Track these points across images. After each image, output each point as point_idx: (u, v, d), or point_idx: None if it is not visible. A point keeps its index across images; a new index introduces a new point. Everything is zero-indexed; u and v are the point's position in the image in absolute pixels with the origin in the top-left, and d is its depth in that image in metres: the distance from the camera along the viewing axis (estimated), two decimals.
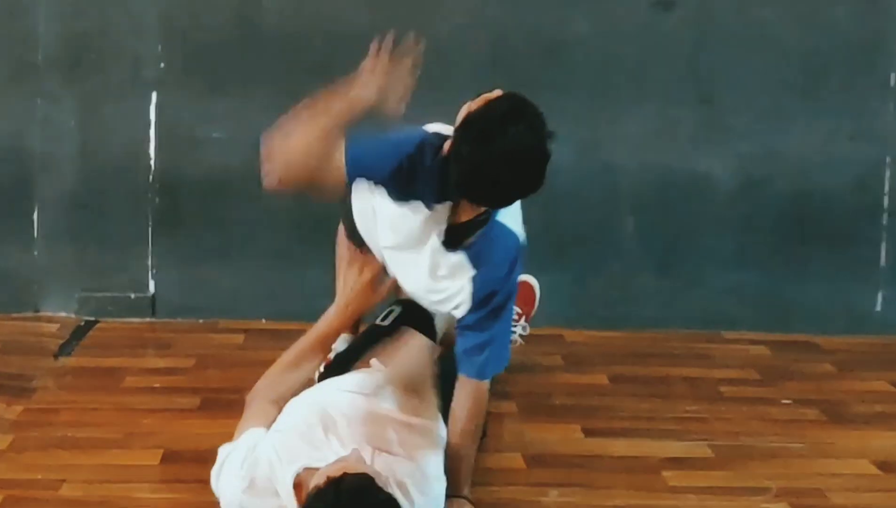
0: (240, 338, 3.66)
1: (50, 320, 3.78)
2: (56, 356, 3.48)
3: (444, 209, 2.38)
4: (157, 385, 3.25)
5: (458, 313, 2.48)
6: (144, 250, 3.78)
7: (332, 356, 2.83)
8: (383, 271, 2.62)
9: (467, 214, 2.37)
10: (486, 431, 2.74)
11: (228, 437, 2.38)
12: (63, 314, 3.80)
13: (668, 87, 3.81)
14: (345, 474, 1.97)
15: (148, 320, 3.80)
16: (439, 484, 2.34)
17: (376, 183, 2.41)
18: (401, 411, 2.44)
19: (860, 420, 3.21)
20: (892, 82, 3.87)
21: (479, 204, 2.31)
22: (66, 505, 2.53)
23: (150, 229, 3.77)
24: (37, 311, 3.81)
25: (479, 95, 2.29)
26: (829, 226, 3.91)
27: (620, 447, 2.97)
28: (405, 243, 2.47)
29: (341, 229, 2.90)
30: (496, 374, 2.61)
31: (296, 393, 2.46)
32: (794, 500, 2.68)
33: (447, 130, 2.44)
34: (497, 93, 2.27)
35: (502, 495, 2.65)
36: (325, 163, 2.29)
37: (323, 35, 3.68)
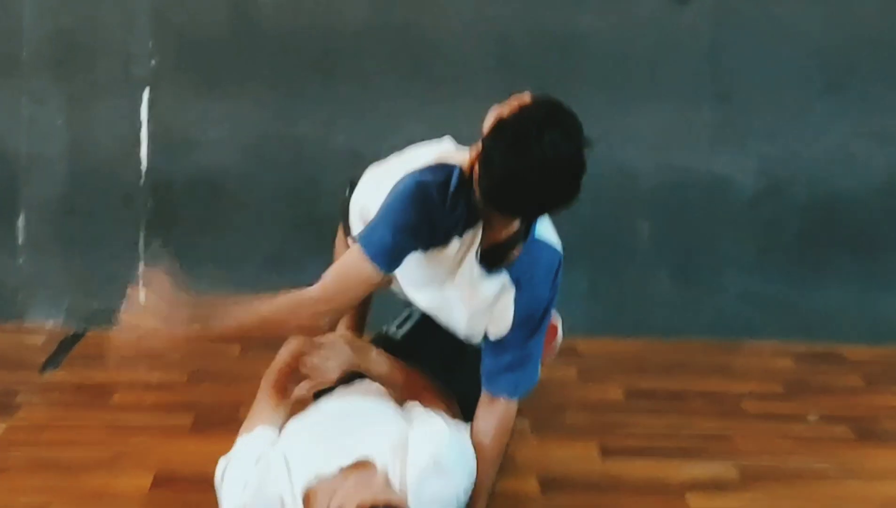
0: (236, 349, 3.53)
1: (36, 330, 3.68)
2: (42, 370, 3.36)
3: (474, 233, 2.27)
4: (148, 402, 3.14)
5: (495, 335, 2.37)
6: (136, 257, 3.69)
7: None
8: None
9: (502, 231, 2.25)
10: None
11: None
12: (50, 325, 3.71)
13: (684, 84, 3.71)
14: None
15: None
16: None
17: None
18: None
19: (891, 438, 3.10)
20: None
21: (508, 215, 2.20)
22: None
23: (141, 234, 3.69)
24: (21, 321, 3.72)
25: (506, 99, 2.19)
26: (854, 230, 3.81)
27: (640, 468, 2.84)
28: (437, 278, 2.36)
29: (340, 233, 2.81)
30: (527, 393, 2.51)
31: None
32: None
33: (433, 152, 2.35)
34: (529, 96, 2.16)
35: None
36: (353, 291, 2.24)
37: (322, 31, 3.61)
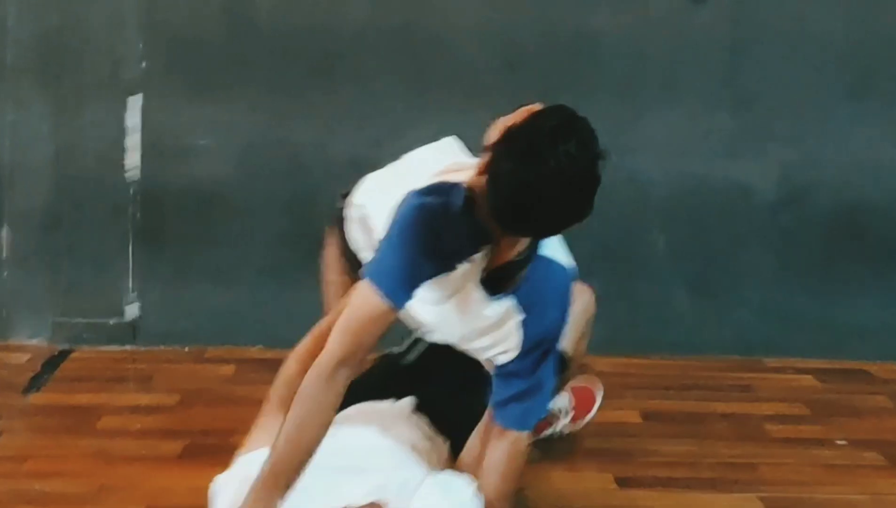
0: (230, 369, 3.46)
1: (20, 349, 3.58)
2: (25, 392, 3.25)
3: (481, 256, 2.14)
4: (137, 427, 3.02)
5: (502, 360, 2.25)
6: (125, 271, 3.63)
7: None
8: None
9: (508, 252, 2.12)
10: None
11: None
12: (34, 343, 3.62)
13: (701, 87, 3.66)
14: None
15: (128, 348, 3.63)
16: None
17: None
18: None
19: None
20: None
21: (518, 233, 2.06)
22: None
23: (130, 246, 3.62)
24: (5, 339, 3.63)
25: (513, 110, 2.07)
26: (881, 240, 3.74)
27: (659, 500, 2.72)
28: (440, 299, 2.24)
29: (330, 248, 2.71)
30: (537, 423, 2.39)
31: None
32: None
33: (437, 158, 2.27)
34: (538, 106, 2.04)
35: None
36: (373, 336, 2.12)
37: (321, 32, 3.55)
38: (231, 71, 3.56)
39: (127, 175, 3.58)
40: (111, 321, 3.62)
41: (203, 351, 3.58)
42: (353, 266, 2.52)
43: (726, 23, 3.63)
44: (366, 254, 2.45)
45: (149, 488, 2.66)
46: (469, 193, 2.06)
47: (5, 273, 3.62)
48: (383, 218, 2.21)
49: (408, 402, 2.43)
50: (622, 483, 2.79)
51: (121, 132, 3.55)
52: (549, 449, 2.91)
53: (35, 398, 3.22)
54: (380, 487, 2.12)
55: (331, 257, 2.71)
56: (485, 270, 2.13)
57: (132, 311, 3.63)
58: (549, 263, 2.20)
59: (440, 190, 2.12)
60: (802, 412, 3.30)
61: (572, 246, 3.53)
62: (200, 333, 3.62)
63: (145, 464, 2.79)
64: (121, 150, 3.56)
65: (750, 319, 3.72)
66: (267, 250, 3.63)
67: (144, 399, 3.20)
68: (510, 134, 1.96)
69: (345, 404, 2.34)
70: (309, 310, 3.11)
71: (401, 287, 2.10)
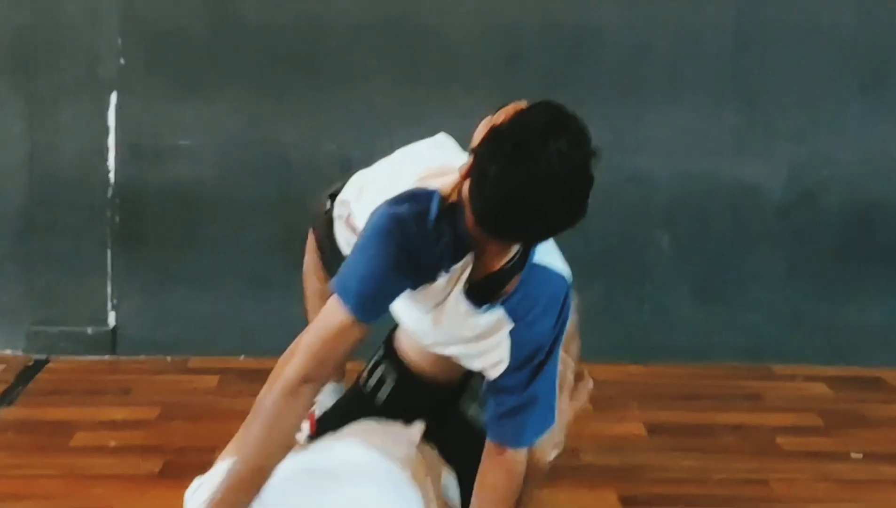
0: (213, 380, 3.38)
1: None
2: None
3: (463, 265, 2.03)
4: (113, 444, 2.93)
5: (493, 374, 2.12)
6: (103, 277, 3.57)
7: (316, 412, 2.47)
8: None
9: (495, 260, 2.00)
10: None
11: None
12: (9, 352, 3.55)
13: (707, 83, 3.61)
14: None
15: (107, 357, 3.57)
16: None
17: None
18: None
19: None
20: None
21: (505, 240, 1.94)
22: None
23: (109, 251, 3.57)
24: None
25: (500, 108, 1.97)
26: (894, 241, 3.70)
27: None
28: (423, 310, 2.14)
29: (311, 254, 2.63)
30: (537, 440, 2.25)
31: None
32: None
33: (425, 158, 2.17)
34: (525, 103, 1.93)
35: None
36: (340, 353, 2.04)
37: (309, 26, 3.50)
38: (214, 67, 3.51)
39: (105, 177, 3.53)
40: (89, 330, 3.57)
41: (185, 361, 3.51)
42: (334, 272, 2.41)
43: (732, 15, 3.58)
44: None
45: None
46: (446, 199, 1.96)
47: None
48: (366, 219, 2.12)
49: (418, 427, 2.31)
50: (626, 502, 2.72)
51: (99, 132, 3.50)
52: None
53: (6, 412, 3.13)
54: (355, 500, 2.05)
55: (311, 263, 2.62)
56: (469, 281, 2.02)
57: (111, 319, 3.58)
58: (543, 270, 2.08)
59: (414, 198, 2.02)
60: (815, 423, 3.23)
61: (571, 248, 3.55)
62: (182, 342, 3.56)
63: (121, 484, 2.71)
64: (99, 151, 3.51)
65: (758, 324, 3.68)
66: (252, 254, 3.58)
67: (122, 413, 3.12)
68: (496, 133, 1.85)
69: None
70: (297, 318, 3.11)
71: (369, 302, 2.00)
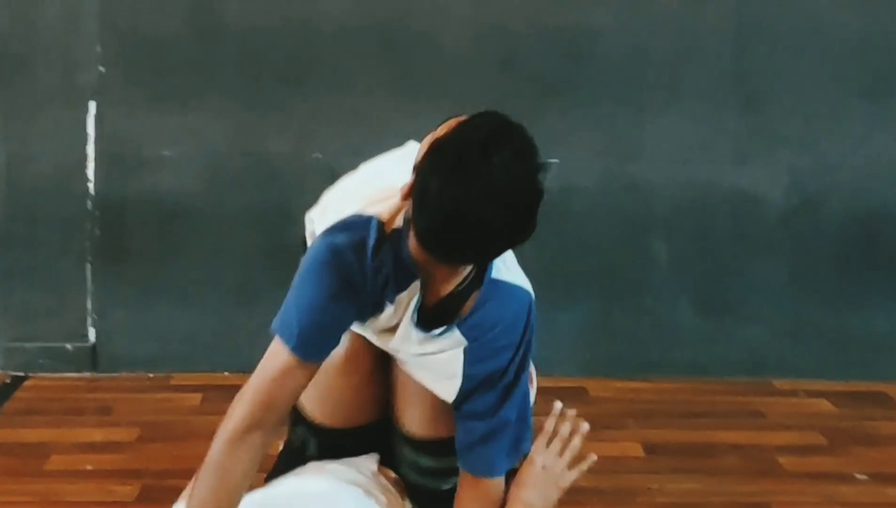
0: (196, 398, 3.31)
1: None
2: None
3: (409, 293, 1.95)
4: (90, 468, 2.85)
5: (442, 393, 2.04)
6: (83, 291, 3.53)
7: None
8: None
9: (445, 285, 1.92)
10: None
11: None
12: None
13: (706, 89, 3.57)
14: None
15: (87, 375, 3.51)
16: None
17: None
18: None
19: None
20: None
21: (451, 262, 1.87)
22: None
23: (89, 265, 3.53)
24: None
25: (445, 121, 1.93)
26: None
27: None
28: (373, 341, 2.08)
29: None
30: (512, 468, 2.16)
31: None
32: None
33: (382, 181, 2.07)
34: (466, 116, 1.88)
35: None
36: (288, 393, 1.96)
37: (295, 31, 3.47)
38: (197, 74, 3.48)
39: (84, 188, 3.51)
40: (69, 346, 3.53)
41: (168, 378, 3.46)
42: None
43: (732, 18, 3.55)
44: None
45: None
46: (386, 225, 1.90)
47: None
48: None
49: (372, 457, 2.23)
50: None
51: (77, 142, 3.47)
52: None
53: None
54: None
55: None
56: (420, 309, 1.95)
57: (91, 335, 3.55)
58: (503, 286, 2.00)
59: (351, 226, 1.96)
60: (818, 441, 3.16)
61: (567, 259, 3.58)
62: (165, 358, 3.53)
63: None
64: (77, 161, 3.48)
65: (759, 337, 3.64)
66: (237, 268, 3.55)
67: (100, 434, 3.05)
68: (436, 148, 1.78)
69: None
70: None
71: (311, 340, 1.93)
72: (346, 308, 1.93)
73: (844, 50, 3.55)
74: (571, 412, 2.10)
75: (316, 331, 1.91)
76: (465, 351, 1.98)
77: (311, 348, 1.92)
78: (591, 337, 3.59)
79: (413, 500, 2.19)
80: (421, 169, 1.76)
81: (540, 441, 2.07)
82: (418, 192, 1.76)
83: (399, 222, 1.89)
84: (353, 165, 2.62)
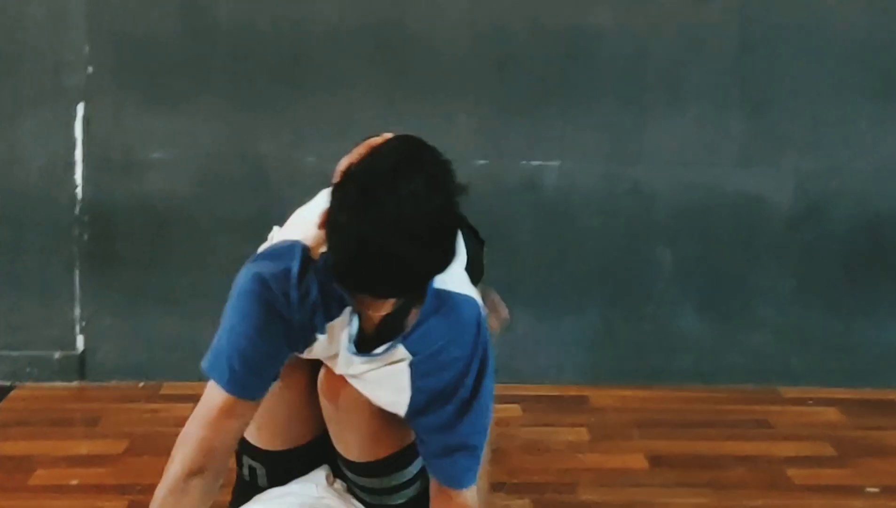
0: (187, 409, 3.06)
1: None
2: None
3: (342, 320, 1.90)
4: (75, 482, 2.78)
5: (398, 410, 1.97)
6: (70, 298, 3.49)
7: None
8: None
9: (377, 309, 1.84)
10: None
11: None
12: None
13: (710, 91, 3.55)
14: None
15: (75, 384, 3.46)
16: None
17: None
18: None
19: None
20: None
21: (367, 294, 1.80)
22: None
23: (77, 271, 3.48)
24: None
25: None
26: None
27: None
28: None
29: None
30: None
31: None
32: None
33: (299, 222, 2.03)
34: (386, 136, 1.84)
35: None
36: (227, 432, 1.92)
37: (288, 31, 3.44)
38: (188, 76, 3.46)
39: (72, 192, 3.47)
40: (56, 355, 3.49)
41: (158, 387, 3.39)
42: None
43: (736, 18, 3.52)
44: None
45: None
46: (312, 251, 1.85)
47: None
48: None
49: (321, 471, 2.18)
50: None
51: (65, 145, 3.44)
52: (540, 502, 2.73)
53: None
54: None
55: None
56: (358, 334, 1.89)
57: (79, 343, 3.51)
58: (448, 296, 1.93)
59: (277, 253, 1.92)
60: (827, 452, 3.09)
61: (568, 266, 3.56)
62: (156, 367, 3.48)
63: None
64: (65, 165, 3.45)
65: (765, 344, 3.61)
66: (229, 273, 3.23)
67: (87, 447, 2.98)
68: (345, 178, 1.72)
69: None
70: None
71: (244, 376, 1.88)
72: (277, 340, 1.88)
73: (852, 50, 3.52)
74: None
75: (248, 368, 1.87)
76: (411, 365, 1.92)
77: (246, 385, 1.87)
78: (593, 344, 3.56)
79: None
80: (330, 200, 1.71)
81: None
82: (328, 224, 1.71)
83: (323, 248, 1.82)
84: None
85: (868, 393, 3.47)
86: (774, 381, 3.55)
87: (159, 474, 2.68)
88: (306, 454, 2.16)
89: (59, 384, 3.42)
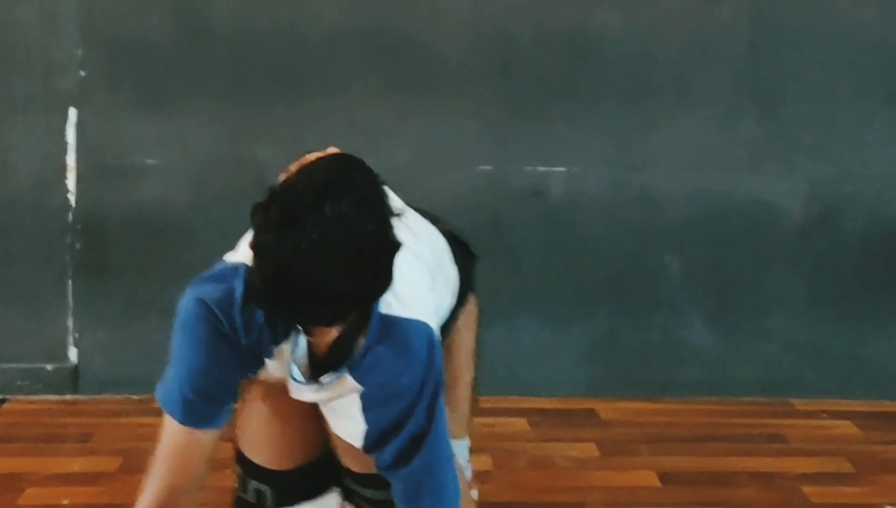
0: None
1: None
2: None
3: (289, 346, 1.83)
4: (66, 502, 2.71)
5: (356, 442, 1.90)
6: (63, 309, 3.43)
7: None
8: None
9: (322, 335, 1.78)
10: None
11: None
12: None
13: (719, 94, 3.51)
14: None
15: (68, 397, 3.39)
16: None
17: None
18: None
19: None
20: None
21: (292, 320, 1.76)
22: None
23: (69, 281, 3.43)
24: None
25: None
26: None
27: None
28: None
29: None
30: None
31: None
32: None
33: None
34: (330, 151, 1.80)
35: None
36: (190, 464, 1.87)
37: (286, 34, 3.39)
38: (183, 79, 3.40)
39: (64, 200, 3.42)
40: (48, 367, 3.43)
41: (153, 400, 3.20)
42: None
43: (746, 19, 3.48)
44: None
45: None
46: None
47: None
48: None
49: (334, 495, 2.11)
50: None
51: (56, 151, 3.38)
52: None
53: None
54: None
55: None
56: (309, 359, 1.82)
57: (72, 355, 3.45)
58: (393, 323, 1.84)
59: (220, 275, 1.87)
60: (844, 468, 3.03)
61: (573, 274, 3.50)
62: (150, 379, 3.17)
63: None
64: (57, 171, 3.39)
65: (777, 354, 3.56)
66: None
67: (79, 464, 2.90)
68: (270, 198, 1.65)
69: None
70: None
71: (198, 405, 1.82)
72: (228, 365, 1.81)
73: (865, 52, 3.48)
74: None
75: (201, 397, 1.81)
76: (361, 396, 1.84)
77: (202, 415, 1.82)
78: (600, 355, 3.51)
79: None
80: (255, 221, 1.65)
81: None
82: (253, 246, 1.64)
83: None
84: None
85: (884, 405, 3.43)
86: (787, 393, 3.51)
87: None
88: (314, 472, 2.09)
89: (51, 397, 3.35)
